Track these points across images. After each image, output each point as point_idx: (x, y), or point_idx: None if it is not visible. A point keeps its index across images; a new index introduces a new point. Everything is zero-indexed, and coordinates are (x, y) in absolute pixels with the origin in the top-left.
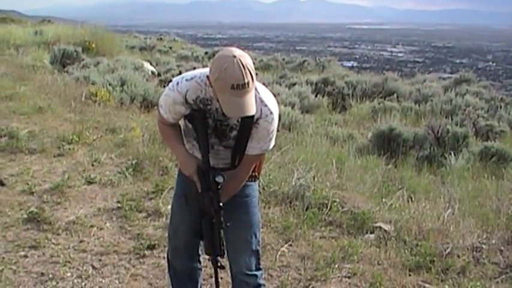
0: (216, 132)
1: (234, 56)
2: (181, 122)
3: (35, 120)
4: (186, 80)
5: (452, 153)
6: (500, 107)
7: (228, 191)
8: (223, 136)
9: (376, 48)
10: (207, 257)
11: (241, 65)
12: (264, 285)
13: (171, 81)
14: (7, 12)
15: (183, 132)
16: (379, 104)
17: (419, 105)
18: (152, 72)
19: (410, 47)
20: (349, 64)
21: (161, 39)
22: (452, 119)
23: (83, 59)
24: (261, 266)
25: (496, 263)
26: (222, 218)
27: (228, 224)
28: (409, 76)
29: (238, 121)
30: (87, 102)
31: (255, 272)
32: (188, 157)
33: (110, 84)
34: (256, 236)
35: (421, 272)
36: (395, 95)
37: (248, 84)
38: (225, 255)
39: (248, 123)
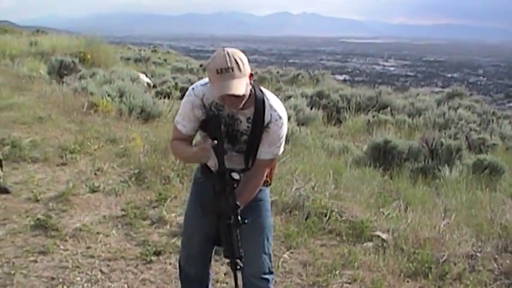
0: (228, 138)
1: (223, 49)
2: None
3: (35, 130)
4: (201, 85)
5: (446, 165)
6: (492, 121)
7: (245, 196)
8: (234, 141)
9: (368, 62)
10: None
11: (226, 54)
12: None
13: (170, 93)
14: (0, 22)
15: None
16: (373, 117)
17: (412, 119)
18: (148, 84)
19: (402, 61)
20: (342, 77)
21: (155, 51)
22: (445, 133)
23: (80, 70)
24: (273, 270)
25: (490, 270)
26: (239, 217)
27: (246, 221)
28: (401, 90)
29: (248, 127)
30: (86, 112)
31: (268, 276)
32: (201, 147)
33: (109, 95)
34: (268, 239)
35: (419, 278)
36: (389, 108)
37: (232, 69)
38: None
39: (258, 127)
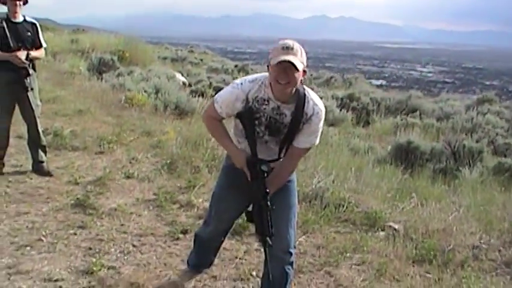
0: (270, 130)
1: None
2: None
3: (75, 122)
4: (249, 81)
5: (466, 167)
6: None
7: (277, 182)
8: (277, 133)
9: (406, 67)
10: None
11: (295, 42)
12: (294, 263)
13: (204, 92)
14: (42, 20)
15: (234, 135)
16: (401, 120)
17: (440, 123)
18: (183, 83)
19: (440, 67)
20: (378, 82)
21: (192, 51)
22: (471, 136)
23: (118, 68)
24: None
25: (493, 259)
26: (269, 202)
27: (274, 207)
28: (433, 95)
29: (292, 120)
30: (123, 107)
31: (292, 250)
32: (238, 151)
33: (145, 91)
34: (295, 216)
35: (424, 264)
36: (418, 112)
37: (296, 50)
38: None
39: (298, 119)
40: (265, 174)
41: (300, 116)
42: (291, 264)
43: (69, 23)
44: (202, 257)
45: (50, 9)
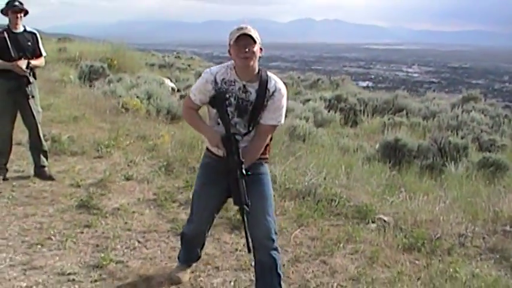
0: (238, 110)
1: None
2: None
3: (72, 128)
4: (217, 67)
5: (452, 162)
6: (504, 123)
7: (250, 156)
8: (244, 113)
9: (392, 68)
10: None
11: (242, 24)
12: (278, 248)
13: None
14: None
15: (208, 122)
16: (388, 119)
17: (427, 121)
18: (172, 89)
19: (426, 67)
20: (364, 84)
21: (179, 57)
22: (457, 134)
23: (108, 75)
24: (277, 231)
25: (478, 246)
26: (244, 171)
27: (249, 172)
28: (419, 94)
29: (256, 97)
30: (117, 112)
31: (274, 236)
32: (213, 131)
33: (137, 97)
34: (271, 205)
35: (413, 251)
36: (404, 111)
37: (249, 29)
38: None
39: (262, 93)
40: (239, 145)
41: (263, 92)
42: (276, 249)
43: (56, 32)
44: (190, 252)
45: (37, 18)
